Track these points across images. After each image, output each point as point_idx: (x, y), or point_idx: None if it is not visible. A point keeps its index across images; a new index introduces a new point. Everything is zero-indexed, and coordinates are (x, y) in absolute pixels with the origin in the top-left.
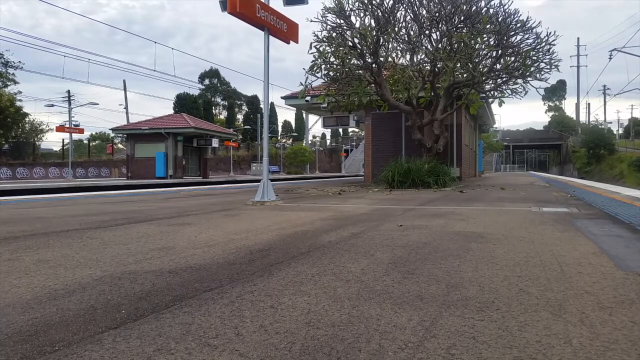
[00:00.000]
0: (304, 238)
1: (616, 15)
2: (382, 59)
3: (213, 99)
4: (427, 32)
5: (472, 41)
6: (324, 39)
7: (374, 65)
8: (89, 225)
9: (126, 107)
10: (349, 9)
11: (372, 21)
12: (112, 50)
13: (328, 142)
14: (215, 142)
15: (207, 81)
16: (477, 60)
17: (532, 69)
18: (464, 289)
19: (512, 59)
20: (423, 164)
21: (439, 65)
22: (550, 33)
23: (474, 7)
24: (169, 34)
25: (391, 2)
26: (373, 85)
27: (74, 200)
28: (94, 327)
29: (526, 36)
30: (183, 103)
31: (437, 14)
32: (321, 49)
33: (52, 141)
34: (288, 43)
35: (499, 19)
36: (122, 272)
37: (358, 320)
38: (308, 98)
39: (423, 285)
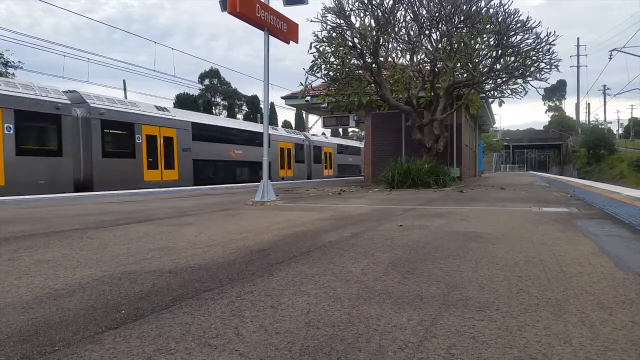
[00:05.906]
0: (304, 238)
1: (617, 15)
2: (382, 59)
3: (213, 99)
4: (427, 32)
5: (472, 41)
6: (324, 39)
7: (374, 65)
8: (89, 225)
9: None
10: (349, 9)
11: (372, 21)
12: (111, 49)
13: None
14: None
15: (207, 81)
16: (477, 60)
17: (532, 69)
18: (464, 289)
19: (512, 59)
20: (423, 164)
21: (439, 65)
22: (550, 33)
23: (474, 7)
24: (168, 33)
25: (391, 2)
26: (373, 85)
27: (74, 200)
28: (94, 327)
29: (526, 36)
30: (183, 103)
31: (437, 14)
32: (321, 49)
33: None
34: (288, 43)
35: (499, 19)
36: (122, 272)
37: (358, 320)
38: (308, 98)
39: (423, 285)
